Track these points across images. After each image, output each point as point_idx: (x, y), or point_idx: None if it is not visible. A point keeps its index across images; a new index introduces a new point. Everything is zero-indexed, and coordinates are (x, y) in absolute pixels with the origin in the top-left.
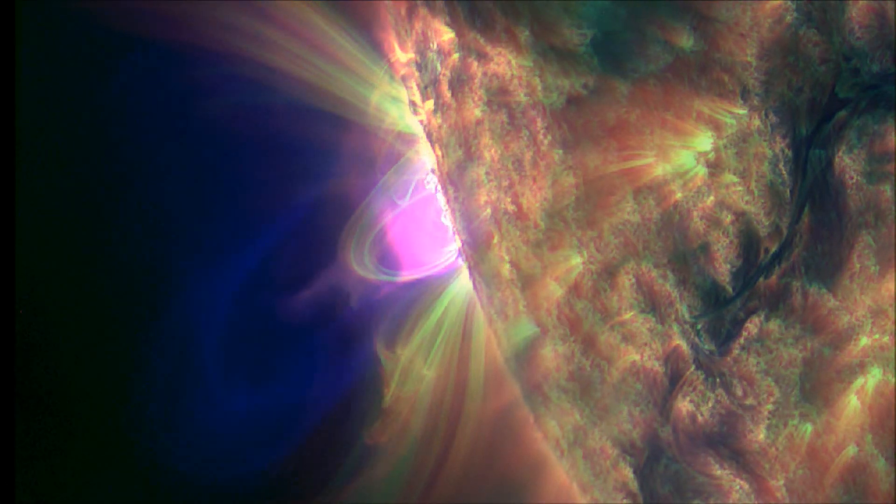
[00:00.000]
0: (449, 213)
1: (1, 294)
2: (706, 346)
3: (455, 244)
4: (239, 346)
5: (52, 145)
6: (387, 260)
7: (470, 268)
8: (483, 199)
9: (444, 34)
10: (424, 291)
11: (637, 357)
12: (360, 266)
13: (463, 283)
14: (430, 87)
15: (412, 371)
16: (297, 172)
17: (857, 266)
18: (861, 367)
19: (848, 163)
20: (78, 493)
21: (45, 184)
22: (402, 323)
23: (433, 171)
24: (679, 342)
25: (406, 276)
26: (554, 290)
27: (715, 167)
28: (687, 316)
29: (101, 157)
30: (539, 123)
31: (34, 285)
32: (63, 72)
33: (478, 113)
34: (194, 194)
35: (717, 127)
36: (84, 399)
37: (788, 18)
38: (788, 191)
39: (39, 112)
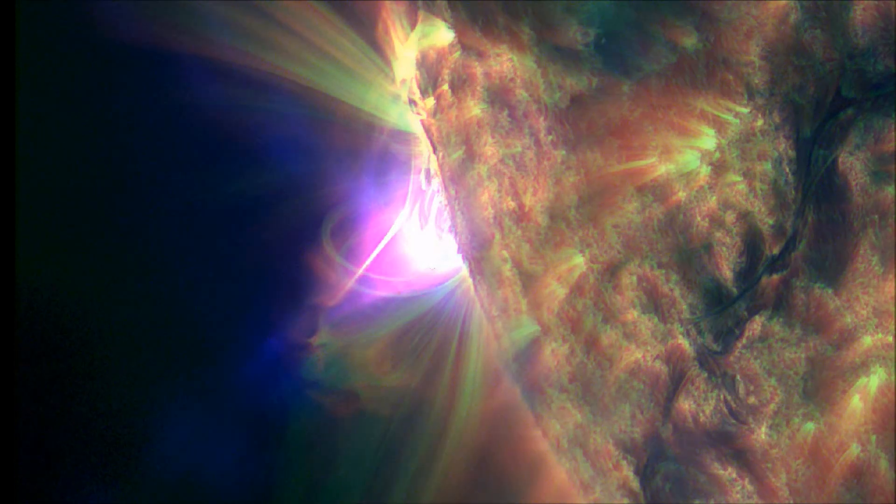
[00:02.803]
0: (449, 212)
1: (1, 294)
2: (709, 346)
3: (449, 251)
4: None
5: (47, 146)
6: (373, 265)
7: (470, 267)
8: (484, 198)
9: (446, 33)
10: (406, 299)
11: (639, 356)
12: (342, 271)
13: (452, 290)
14: (430, 85)
15: (368, 371)
16: (289, 173)
17: (861, 266)
18: (864, 367)
19: (852, 163)
20: None
21: (44, 183)
22: (370, 327)
23: (433, 170)
24: (681, 341)
25: (390, 282)
26: (556, 290)
27: (718, 167)
28: (689, 315)
29: (92, 158)
30: (541, 122)
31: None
32: (56, 72)
33: (479, 112)
34: (183, 195)
35: (720, 126)
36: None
37: (793, 18)
38: (792, 190)
39: (36, 113)
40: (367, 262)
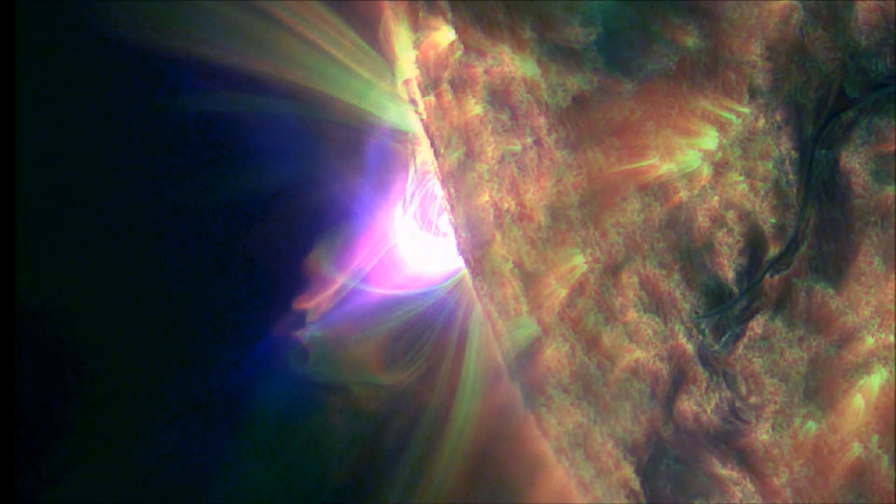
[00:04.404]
0: (449, 212)
1: (1, 287)
2: (710, 345)
3: (448, 251)
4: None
5: (45, 147)
6: (370, 264)
7: (470, 267)
8: (485, 197)
9: (446, 33)
10: (404, 298)
11: (640, 356)
12: (339, 271)
13: (452, 290)
14: (430, 85)
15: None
16: (287, 173)
17: (863, 266)
18: (866, 367)
19: (854, 163)
20: None
21: (41, 183)
22: (366, 325)
23: (433, 169)
24: (683, 341)
25: (387, 281)
26: (557, 289)
27: (720, 166)
28: (691, 315)
29: (87, 158)
30: (542, 122)
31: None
32: (55, 73)
33: (479, 111)
34: (180, 195)
35: (722, 126)
36: None
37: (795, 17)
38: (794, 190)
39: (34, 114)
40: (365, 262)
